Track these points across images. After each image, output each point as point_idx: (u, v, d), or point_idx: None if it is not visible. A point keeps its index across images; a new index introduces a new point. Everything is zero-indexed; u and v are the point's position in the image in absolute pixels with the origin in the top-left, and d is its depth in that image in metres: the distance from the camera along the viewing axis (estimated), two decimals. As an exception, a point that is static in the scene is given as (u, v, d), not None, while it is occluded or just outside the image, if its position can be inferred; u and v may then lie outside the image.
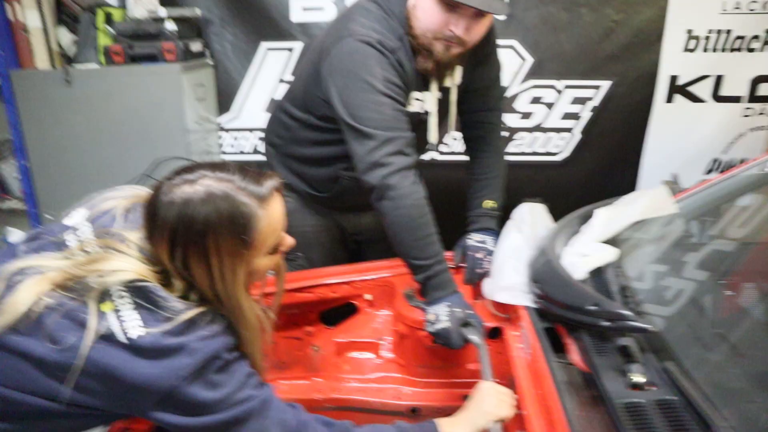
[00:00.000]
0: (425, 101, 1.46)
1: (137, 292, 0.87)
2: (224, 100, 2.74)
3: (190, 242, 0.87)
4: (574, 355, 1.00)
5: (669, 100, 2.56)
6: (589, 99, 2.54)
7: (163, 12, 2.42)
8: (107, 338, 0.84)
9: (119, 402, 0.87)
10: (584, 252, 1.25)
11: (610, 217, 1.35)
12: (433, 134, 1.51)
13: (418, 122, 1.48)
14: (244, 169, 0.93)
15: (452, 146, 2.64)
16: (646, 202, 1.37)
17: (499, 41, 2.20)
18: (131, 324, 0.85)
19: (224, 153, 2.84)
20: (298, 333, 1.68)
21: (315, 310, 1.68)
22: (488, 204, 1.55)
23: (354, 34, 1.32)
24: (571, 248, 1.29)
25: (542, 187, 2.67)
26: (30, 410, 0.88)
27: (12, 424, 0.90)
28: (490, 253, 1.46)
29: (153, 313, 0.86)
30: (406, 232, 1.31)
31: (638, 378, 0.86)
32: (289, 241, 1.06)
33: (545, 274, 1.15)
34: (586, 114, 2.57)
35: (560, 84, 2.53)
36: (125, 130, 2.45)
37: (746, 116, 2.58)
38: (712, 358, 0.92)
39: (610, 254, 1.23)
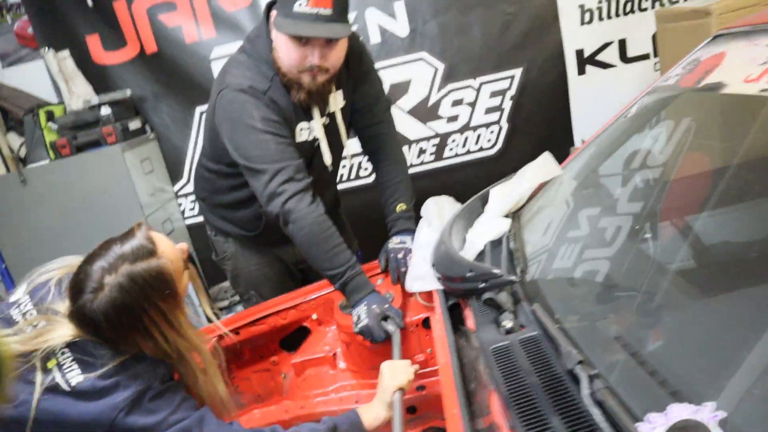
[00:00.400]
0: (313, 129, 1.60)
1: (75, 347, 1.00)
2: (174, 168, 2.89)
3: (124, 332, 1.01)
4: (468, 321, 1.12)
5: (581, 72, 2.71)
6: (507, 89, 2.69)
7: (96, 99, 2.59)
8: (53, 389, 0.97)
9: None
10: (481, 229, 1.38)
11: (503, 192, 1.47)
12: (326, 157, 1.64)
13: (312, 149, 1.62)
14: (113, 240, 1.05)
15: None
16: (533, 170, 1.49)
17: (409, 56, 2.39)
18: (72, 374, 0.98)
19: (186, 218, 2.97)
20: (265, 365, 1.79)
21: (275, 340, 1.79)
22: (400, 207, 1.68)
23: (229, 86, 1.48)
24: (473, 228, 1.42)
25: (486, 183, 2.77)
26: None
27: None
28: (409, 251, 1.58)
29: (89, 363, 1.00)
30: (315, 248, 1.45)
31: (508, 323, 0.97)
32: (182, 245, 1.15)
33: (440, 257, 1.27)
34: (507, 104, 2.72)
35: (476, 82, 2.68)
36: (85, 216, 2.59)
37: (658, 70, 2.72)
38: (571, 298, 1.03)
39: (502, 226, 1.35)
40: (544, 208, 1.42)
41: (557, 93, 2.72)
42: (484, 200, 1.53)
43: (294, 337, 1.80)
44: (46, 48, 2.67)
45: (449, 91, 2.71)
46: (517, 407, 0.78)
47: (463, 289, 1.15)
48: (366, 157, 1.82)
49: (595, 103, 2.73)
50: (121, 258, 1.01)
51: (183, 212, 2.97)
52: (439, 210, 1.58)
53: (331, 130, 1.65)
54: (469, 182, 2.75)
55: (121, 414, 0.98)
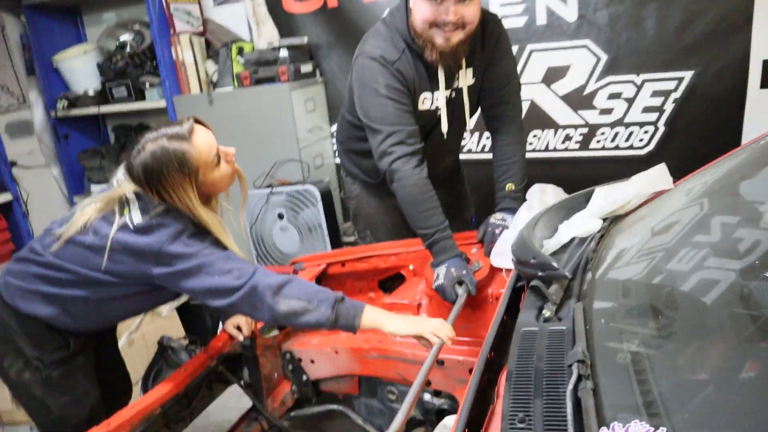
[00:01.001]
0: (436, 99, 1.73)
1: (139, 198, 1.40)
2: (334, 112, 3.18)
3: (155, 187, 1.36)
4: (523, 302, 1.20)
5: (765, 85, 2.44)
6: (672, 91, 2.53)
7: (278, 42, 2.93)
8: (124, 227, 1.36)
9: (135, 266, 1.36)
10: (574, 224, 1.42)
11: (607, 194, 1.48)
12: (443, 127, 1.76)
13: (434, 117, 1.75)
14: (170, 123, 1.40)
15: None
16: (643, 179, 1.47)
17: (573, 42, 2.38)
18: (135, 217, 1.37)
19: (337, 158, 3.27)
20: (363, 298, 2.02)
21: (374, 279, 2.00)
22: (509, 186, 1.77)
23: (364, 53, 1.67)
24: (568, 221, 1.46)
25: (628, 181, 2.69)
26: (90, 280, 1.41)
27: (83, 290, 1.44)
28: (506, 228, 1.66)
29: (146, 209, 1.37)
30: (412, 207, 1.61)
31: (546, 313, 1.05)
32: (230, 150, 1.47)
33: (517, 239, 1.35)
34: (668, 106, 2.56)
35: (638, 78, 2.56)
36: (253, 138, 2.99)
37: None
38: (619, 309, 1.06)
39: (593, 225, 1.38)
40: (643, 219, 1.41)
41: (731, 104, 2.48)
42: (588, 197, 1.55)
43: (391, 280, 2.00)
44: (247, -8, 3.07)
45: (608, 83, 2.62)
46: (515, 383, 0.87)
47: (527, 273, 1.22)
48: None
49: (775, 122, 2.47)
50: (164, 134, 1.35)
51: (335, 152, 3.26)
52: (543, 197, 1.63)
53: (455, 103, 1.76)
54: (609, 178, 2.66)
55: (165, 244, 1.32)
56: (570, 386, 0.79)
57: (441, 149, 1.92)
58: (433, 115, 1.78)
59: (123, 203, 1.40)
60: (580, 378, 0.79)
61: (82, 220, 1.40)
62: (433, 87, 1.73)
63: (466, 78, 1.75)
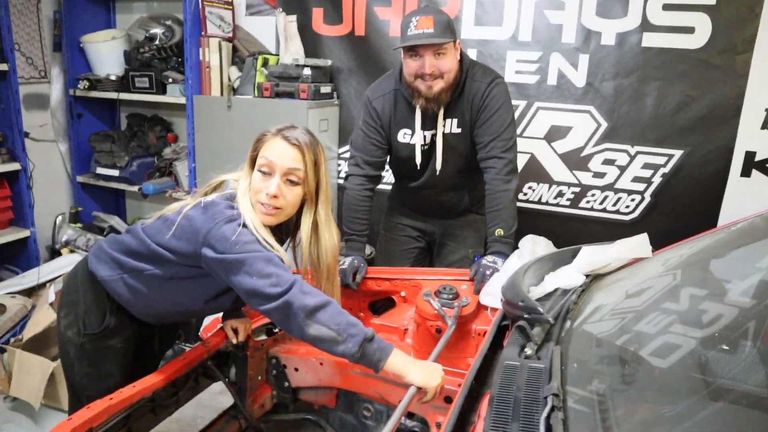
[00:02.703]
0: (414, 136, 2.10)
1: (226, 186, 1.55)
2: (344, 134, 3.33)
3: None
4: (507, 339, 1.34)
5: (745, 174, 2.64)
6: (661, 166, 2.72)
7: (303, 60, 3.08)
8: (197, 204, 1.46)
9: (189, 243, 1.42)
10: (559, 276, 1.56)
11: (592, 253, 1.63)
12: (417, 159, 2.15)
13: (412, 150, 2.13)
14: (294, 127, 1.55)
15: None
16: (626, 245, 1.63)
17: (577, 106, 2.60)
18: (209, 197, 1.48)
19: (340, 178, 3.41)
20: (353, 316, 2.13)
21: (366, 300, 2.12)
22: (498, 232, 1.94)
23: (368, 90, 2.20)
24: (554, 272, 1.61)
25: (610, 243, 2.86)
26: (152, 254, 1.50)
27: (143, 263, 1.53)
28: (497, 271, 1.81)
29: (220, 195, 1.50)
30: (345, 211, 2.17)
31: (528, 351, 1.18)
32: (271, 188, 1.46)
33: (508, 282, 1.49)
34: (656, 179, 2.74)
35: (632, 149, 2.75)
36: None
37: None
38: (593, 356, 1.20)
39: (576, 279, 1.53)
40: (621, 280, 1.56)
41: (713, 187, 2.67)
42: (575, 254, 1.70)
43: (382, 303, 2.13)
44: (280, 9, 3.22)
45: (604, 149, 2.80)
46: (495, 408, 1.00)
47: (513, 314, 1.36)
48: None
49: (750, 209, 2.65)
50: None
51: (339, 172, 3.40)
52: (534, 247, 1.78)
53: (434, 144, 2.11)
54: (594, 237, 2.83)
55: (216, 225, 1.38)
56: (544, 414, 0.92)
57: (439, 183, 2.22)
58: (412, 149, 2.12)
59: (210, 192, 1.54)
60: (553, 408, 0.93)
61: (182, 203, 1.52)
62: (414, 126, 2.08)
63: (444, 126, 2.07)
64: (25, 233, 3.36)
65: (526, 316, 1.29)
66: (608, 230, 2.86)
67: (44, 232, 3.65)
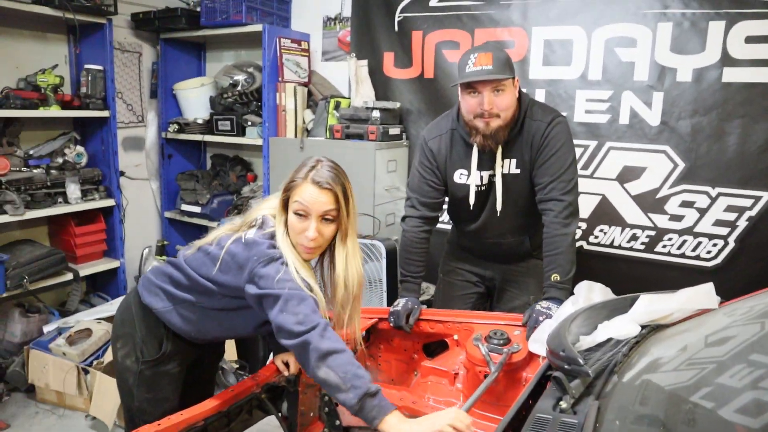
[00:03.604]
0: (471, 176, 2.07)
1: (264, 222, 1.58)
2: (412, 174, 3.36)
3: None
4: (546, 389, 1.27)
5: (843, 219, 2.40)
6: (747, 208, 2.52)
7: (372, 103, 3.18)
8: (238, 240, 1.53)
9: (235, 277, 1.50)
10: (613, 325, 1.48)
11: (652, 301, 1.53)
12: (470, 199, 2.09)
13: (467, 190, 2.09)
14: (321, 164, 1.56)
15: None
16: (690, 295, 1.51)
17: (652, 146, 2.56)
18: (250, 233, 1.53)
19: (407, 216, 3.43)
20: (406, 357, 2.13)
21: (420, 341, 2.10)
22: (555, 277, 1.85)
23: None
24: (609, 321, 1.52)
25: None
26: (200, 287, 1.59)
27: (192, 295, 1.62)
28: (550, 317, 1.73)
29: (261, 230, 1.55)
30: (402, 252, 2.17)
31: (563, 404, 1.12)
32: (310, 233, 1.51)
33: (554, 331, 1.42)
34: (742, 223, 2.54)
35: (714, 191, 2.57)
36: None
37: None
38: (634, 414, 1.12)
39: (631, 330, 1.44)
40: (681, 333, 1.45)
41: (807, 231, 2.45)
42: (632, 303, 1.60)
43: (436, 345, 2.10)
44: (353, 54, 3.36)
45: (682, 191, 2.65)
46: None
47: (555, 363, 1.30)
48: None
49: None
50: (313, 167, 1.56)
51: (405, 213, 3.43)
52: (589, 294, 1.70)
53: (491, 185, 2.06)
54: (671, 284, 2.65)
55: (259, 263, 1.46)
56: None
57: (498, 226, 2.16)
58: (467, 189, 2.08)
59: (252, 224, 1.60)
60: (575, 470, 0.87)
61: (215, 234, 1.62)
62: (471, 166, 2.05)
63: (503, 166, 2.02)
64: (115, 264, 3.65)
65: (566, 366, 1.22)
66: (687, 277, 2.67)
67: (133, 264, 3.94)
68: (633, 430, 1.03)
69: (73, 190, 3.34)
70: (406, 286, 2.13)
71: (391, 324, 2.01)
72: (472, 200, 2.09)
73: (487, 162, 2.05)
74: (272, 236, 1.54)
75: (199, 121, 3.91)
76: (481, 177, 2.07)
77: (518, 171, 2.03)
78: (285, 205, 1.57)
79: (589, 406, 1.10)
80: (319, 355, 1.38)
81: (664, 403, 1.12)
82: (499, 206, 2.08)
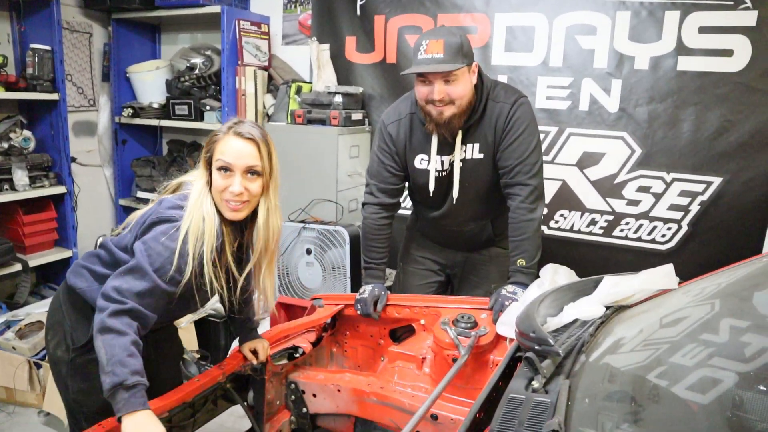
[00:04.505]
0: (430, 162, 2.03)
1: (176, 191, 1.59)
2: (375, 160, 3.34)
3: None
4: (518, 370, 1.29)
5: (791, 202, 2.51)
6: (699, 194, 2.62)
7: (335, 88, 3.14)
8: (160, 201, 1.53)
9: (132, 235, 1.51)
10: (578, 306, 1.51)
11: (615, 283, 1.57)
12: (430, 185, 2.06)
13: (427, 176, 2.05)
14: (242, 121, 1.52)
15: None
16: (650, 275, 1.56)
17: (610, 132, 2.62)
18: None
19: (368, 203, 3.42)
20: (372, 343, 2.12)
21: (387, 327, 2.10)
22: (520, 262, 1.87)
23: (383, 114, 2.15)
24: (574, 303, 1.55)
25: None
26: (121, 261, 1.51)
27: (111, 270, 1.50)
28: (516, 301, 1.76)
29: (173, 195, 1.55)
30: (363, 240, 2.15)
31: (535, 384, 1.14)
32: (235, 187, 1.46)
33: (522, 312, 1.44)
34: (694, 207, 2.64)
35: (668, 176, 2.65)
36: (296, 173, 3.17)
37: None
38: (604, 392, 1.14)
39: (595, 311, 1.47)
40: (643, 313, 1.49)
41: (755, 215, 2.55)
42: (597, 284, 1.64)
43: (402, 330, 2.10)
44: (314, 38, 3.30)
45: (639, 176, 2.72)
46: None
47: (525, 344, 1.32)
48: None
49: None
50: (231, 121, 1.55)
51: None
52: (555, 276, 1.73)
53: (450, 171, 2.03)
54: (628, 266, 2.73)
55: (151, 221, 1.45)
56: (542, 451, 0.88)
57: (459, 212, 2.12)
58: (427, 175, 2.04)
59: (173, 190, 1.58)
60: (551, 445, 0.88)
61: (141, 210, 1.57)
62: (432, 151, 2.01)
63: (465, 151, 1.99)
64: (67, 253, 3.50)
65: (536, 347, 1.24)
66: (643, 260, 2.76)
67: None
68: (604, 407, 1.06)
69: (20, 176, 3.18)
70: (371, 273, 2.12)
71: (359, 312, 1.99)
72: (432, 187, 2.05)
73: (447, 147, 2.00)
74: (184, 198, 1.50)
75: (155, 106, 3.78)
76: (442, 162, 2.02)
77: (481, 156, 1.99)
78: (208, 164, 1.52)
79: (560, 384, 1.12)
80: (102, 327, 1.35)
81: (630, 381, 1.15)
82: (455, 194, 2.04)
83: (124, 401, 1.31)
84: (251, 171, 1.49)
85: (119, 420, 1.31)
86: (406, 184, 2.19)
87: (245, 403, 1.90)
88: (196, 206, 1.47)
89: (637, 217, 2.76)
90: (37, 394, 2.69)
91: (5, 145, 3.20)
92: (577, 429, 0.97)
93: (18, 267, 3.18)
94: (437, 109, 1.87)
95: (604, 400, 1.07)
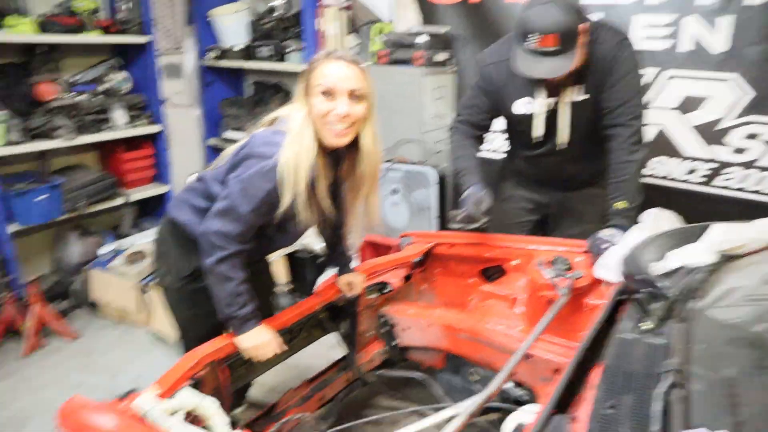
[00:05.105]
0: (534, 106, 1.99)
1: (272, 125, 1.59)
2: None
3: None
4: (623, 313, 1.29)
5: None
6: (818, 142, 2.42)
7: (418, 28, 3.07)
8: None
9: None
10: (684, 253, 1.47)
11: (727, 231, 1.51)
12: (536, 131, 2.03)
13: (526, 118, 2.01)
14: (337, 50, 1.50)
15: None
16: (764, 224, 1.48)
17: (717, 74, 2.48)
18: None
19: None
20: (463, 281, 2.17)
21: (478, 266, 2.12)
22: (619, 205, 1.83)
23: (482, 53, 2.14)
24: (680, 249, 1.51)
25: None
26: (212, 196, 1.60)
27: (210, 203, 1.59)
28: (614, 244, 1.73)
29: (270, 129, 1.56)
30: (452, 155, 2.20)
31: (646, 325, 1.13)
32: (340, 108, 1.44)
33: (629, 255, 1.42)
34: (811, 157, 2.45)
35: (783, 123, 2.46)
36: (381, 114, 3.11)
37: None
38: (718, 339, 1.12)
39: (705, 257, 1.42)
40: (759, 263, 1.43)
41: None
42: (703, 232, 1.58)
43: (494, 270, 2.12)
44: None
45: (749, 122, 2.53)
46: (609, 377, 0.98)
47: (632, 287, 1.31)
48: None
49: None
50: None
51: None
52: (657, 222, 1.68)
53: (556, 114, 1.97)
54: (729, 220, 2.58)
55: (247, 155, 1.49)
56: (662, 389, 0.89)
57: (560, 153, 2.07)
58: (529, 117, 2.00)
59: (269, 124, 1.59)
60: (674, 385, 0.89)
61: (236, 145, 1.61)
62: (535, 95, 1.96)
63: (570, 94, 1.93)
64: (164, 188, 3.71)
65: (645, 290, 1.23)
66: (747, 212, 2.59)
67: (179, 189, 3.98)
68: (725, 352, 1.04)
69: (120, 115, 3.35)
70: (467, 178, 2.02)
71: (458, 222, 1.97)
72: (541, 131, 2.02)
73: (553, 89, 1.96)
74: (279, 133, 1.48)
75: (238, 48, 3.84)
76: (548, 104, 1.99)
77: (587, 96, 1.95)
78: (306, 92, 1.49)
79: (675, 328, 1.11)
80: (211, 271, 1.52)
81: (749, 331, 1.13)
82: (564, 136, 2.00)
83: (238, 327, 1.54)
84: (355, 94, 1.46)
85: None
86: (503, 124, 2.17)
87: (341, 332, 2.00)
88: (296, 139, 1.45)
89: (744, 165, 2.59)
90: (144, 315, 2.93)
91: (104, 86, 3.37)
92: (698, 372, 0.96)
93: (121, 200, 3.41)
94: (547, 81, 1.90)
95: (725, 345, 1.05)
